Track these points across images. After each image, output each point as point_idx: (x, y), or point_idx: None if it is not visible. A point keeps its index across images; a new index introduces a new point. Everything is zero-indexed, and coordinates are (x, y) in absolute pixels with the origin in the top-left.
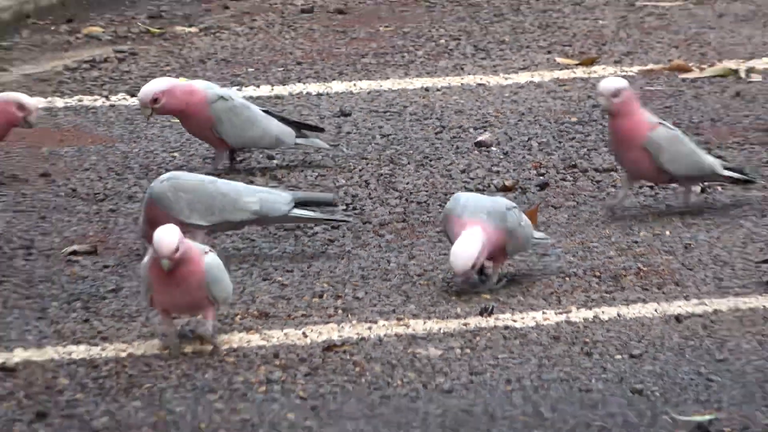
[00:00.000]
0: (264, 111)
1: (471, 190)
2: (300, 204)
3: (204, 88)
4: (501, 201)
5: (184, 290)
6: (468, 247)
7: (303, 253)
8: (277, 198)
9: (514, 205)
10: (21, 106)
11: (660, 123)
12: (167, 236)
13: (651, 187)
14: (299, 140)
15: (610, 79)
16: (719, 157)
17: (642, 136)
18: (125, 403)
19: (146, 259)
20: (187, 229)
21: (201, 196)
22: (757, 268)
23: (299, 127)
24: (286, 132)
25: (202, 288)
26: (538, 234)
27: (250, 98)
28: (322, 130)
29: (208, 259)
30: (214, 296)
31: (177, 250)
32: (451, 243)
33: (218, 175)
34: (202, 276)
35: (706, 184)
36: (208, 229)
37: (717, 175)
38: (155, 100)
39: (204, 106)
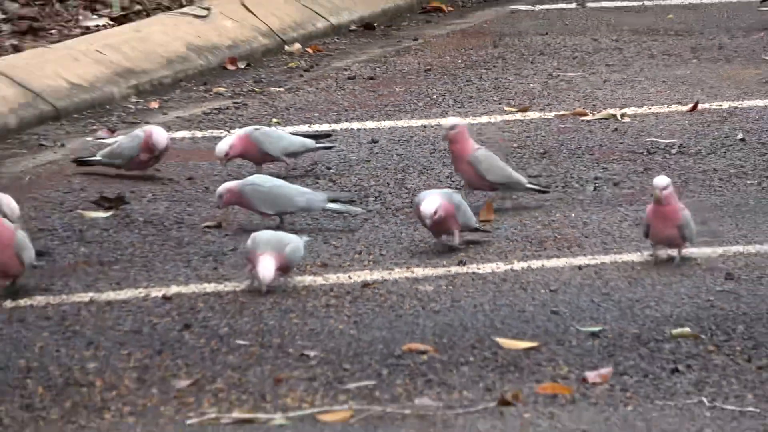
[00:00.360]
0: (291, 133)
1: (451, 187)
2: (332, 200)
3: (244, 130)
4: (448, 190)
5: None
6: (431, 201)
7: (348, 227)
8: (317, 197)
9: (456, 191)
10: (151, 138)
11: (480, 147)
12: (267, 271)
13: (563, 188)
14: (318, 144)
15: (450, 118)
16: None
17: (468, 154)
18: (238, 318)
19: (248, 243)
20: (258, 213)
21: (268, 194)
22: (628, 237)
23: (316, 137)
24: (308, 141)
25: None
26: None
27: (316, 131)
28: (329, 135)
29: (287, 249)
30: (290, 267)
31: (274, 277)
32: (420, 219)
33: (285, 178)
34: (285, 263)
35: (593, 184)
36: (273, 215)
37: (523, 186)
38: (226, 154)
39: (250, 140)
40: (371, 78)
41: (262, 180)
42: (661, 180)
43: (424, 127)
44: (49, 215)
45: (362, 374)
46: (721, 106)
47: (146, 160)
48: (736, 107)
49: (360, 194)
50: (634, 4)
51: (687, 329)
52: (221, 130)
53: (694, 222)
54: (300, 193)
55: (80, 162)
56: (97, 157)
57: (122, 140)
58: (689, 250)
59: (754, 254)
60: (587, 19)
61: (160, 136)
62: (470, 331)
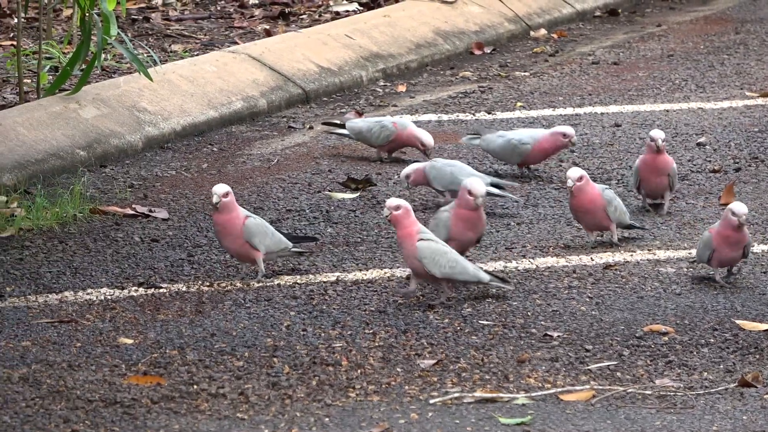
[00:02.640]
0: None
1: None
2: (493, 185)
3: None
4: (601, 186)
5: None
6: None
7: None
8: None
9: (608, 187)
10: (421, 139)
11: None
12: (475, 184)
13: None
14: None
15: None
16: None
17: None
18: (482, 299)
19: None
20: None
21: (441, 173)
22: None
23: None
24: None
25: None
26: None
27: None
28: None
29: None
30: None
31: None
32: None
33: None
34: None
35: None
36: (444, 191)
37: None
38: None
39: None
40: (615, 63)
41: (442, 162)
42: None
43: (667, 111)
44: (297, 196)
45: (604, 355)
46: None
47: (392, 148)
48: None
49: (602, 177)
50: None
51: None
52: (467, 114)
53: None
54: (465, 175)
55: (330, 128)
56: (345, 125)
57: (372, 125)
58: None
59: None
60: None
61: (428, 135)
62: (711, 313)
